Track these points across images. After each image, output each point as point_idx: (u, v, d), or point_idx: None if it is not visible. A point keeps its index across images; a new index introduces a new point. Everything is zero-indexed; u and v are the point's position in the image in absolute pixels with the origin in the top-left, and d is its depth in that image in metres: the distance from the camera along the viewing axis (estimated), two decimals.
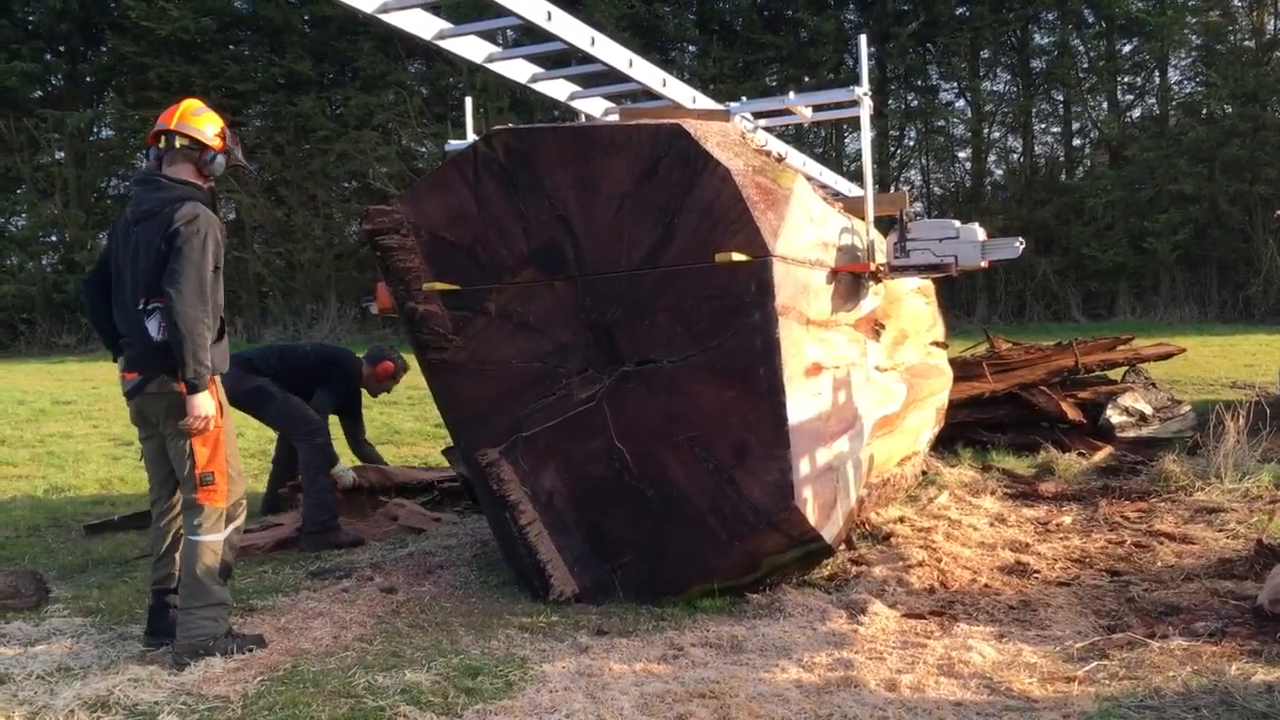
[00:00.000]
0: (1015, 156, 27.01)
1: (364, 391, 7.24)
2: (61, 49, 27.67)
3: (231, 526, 4.22)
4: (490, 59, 5.54)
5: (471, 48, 5.39)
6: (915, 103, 26.77)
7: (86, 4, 26.09)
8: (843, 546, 5.34)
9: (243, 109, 26.78)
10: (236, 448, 4.34)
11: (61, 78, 28.03)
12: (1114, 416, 8.44)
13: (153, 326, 4.12)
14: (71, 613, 4.80)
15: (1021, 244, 5.48)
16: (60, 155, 27.32)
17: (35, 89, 27.45)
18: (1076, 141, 26.69)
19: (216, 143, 4.27)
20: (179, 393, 4.05)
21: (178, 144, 4.23)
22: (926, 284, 7.64)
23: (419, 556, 5.73)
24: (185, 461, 4.13)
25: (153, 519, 4.42)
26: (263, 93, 26.72)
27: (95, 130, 28.14)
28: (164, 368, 4.10)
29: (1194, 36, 24.64)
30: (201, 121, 4.27)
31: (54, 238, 27.75)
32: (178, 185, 4.18)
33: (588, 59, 5.37)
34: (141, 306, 4.13)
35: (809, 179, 5.87)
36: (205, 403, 4.04)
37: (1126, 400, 8.57)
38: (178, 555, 4.28)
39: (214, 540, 4.13)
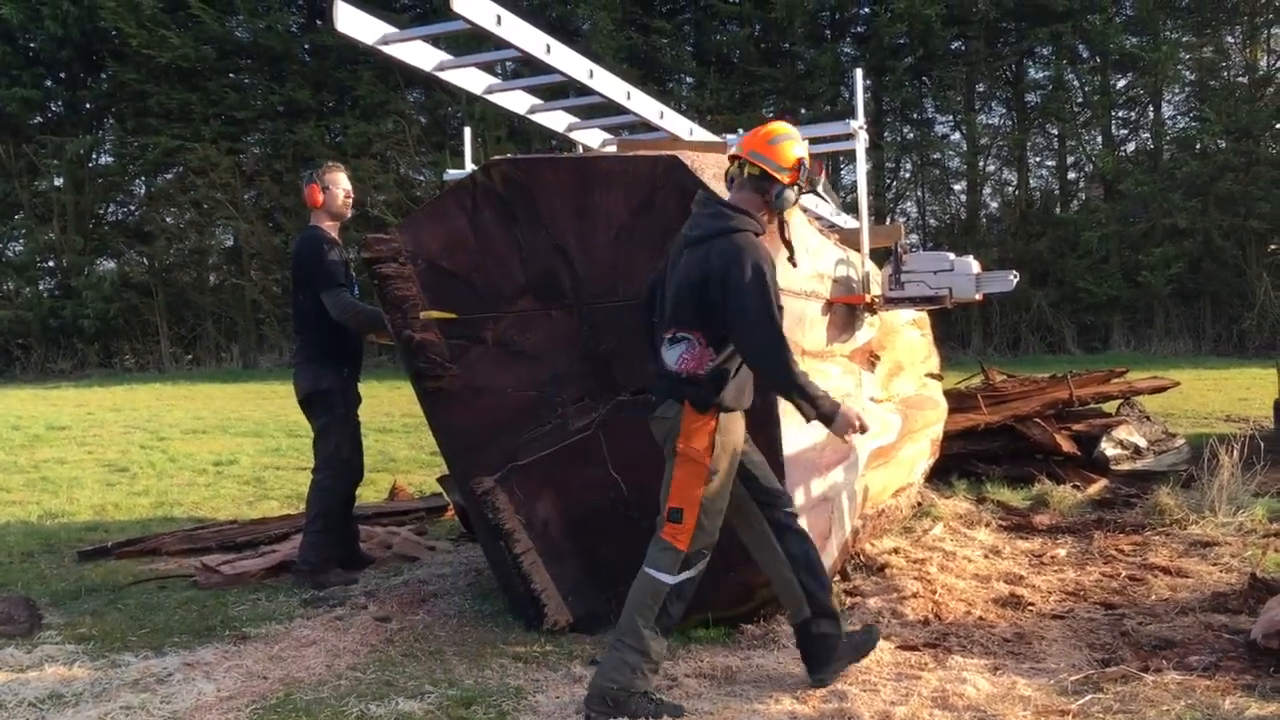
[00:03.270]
0: (1010, 189, 27.12)
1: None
2: (62, 75, 27.74)
3: (684, 575, 3.77)
4: (489, 90, 5.58)
5: (471, 79, 5.44)
6: (911, 135, 26.89)
7: (87, 31, 26.15)
8: (837, 578, 5.34)
9: (242, 136, 26.87)
10: (727, 491, 3.84)
11: (61, 104, 28.08)
12: (1108, 449, 8.45)
13: (670, 356, 3.79)
14: (64, 639, 4.78)
15: (1015, 277, 5.52)
16: (59, 181, 27.35)
17: (35, 115, 27.51)
18: (1071, 175, 26.81)
19: (785, 176, 3.85)
20: (678, 420, 3.76)
21: (746, 172, 3.88)
22: (922, 316, 7.67)
23: (413, 585, 5.71)
24: (665, 489, 3.80)
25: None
26: (262, 120, 26.80)
27: (94, 157, 28.17)
28: (671, 395, 3.81)
29: (1187, 72, 24.81)
30: (776, 151, 3.87)
31: (51, 263, 27.75)
32: (734, 215, 3.81)
33: (586, 91, 5.41)
34: (669, 335, 3.82)
35: (804, 210, 5.91)
36: (847, 420, 3.77)
37: (1121, 433, 8.58)
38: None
39: (662, 578, 3.74)
